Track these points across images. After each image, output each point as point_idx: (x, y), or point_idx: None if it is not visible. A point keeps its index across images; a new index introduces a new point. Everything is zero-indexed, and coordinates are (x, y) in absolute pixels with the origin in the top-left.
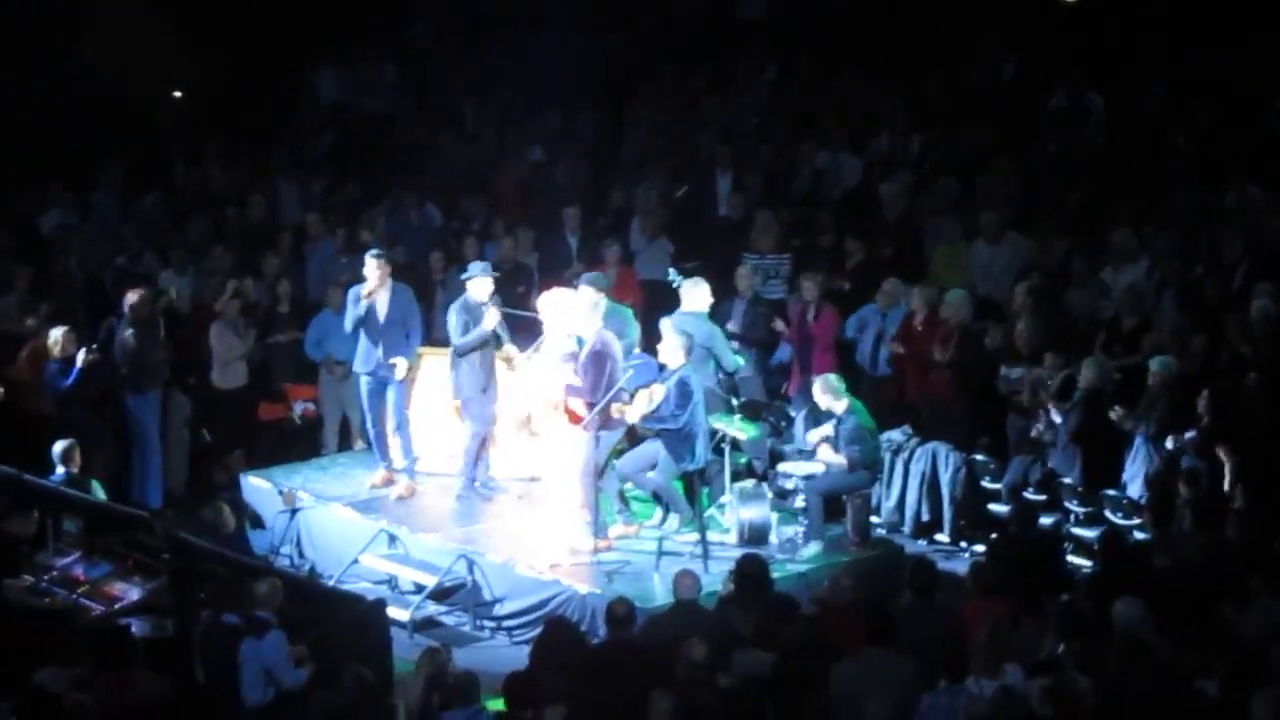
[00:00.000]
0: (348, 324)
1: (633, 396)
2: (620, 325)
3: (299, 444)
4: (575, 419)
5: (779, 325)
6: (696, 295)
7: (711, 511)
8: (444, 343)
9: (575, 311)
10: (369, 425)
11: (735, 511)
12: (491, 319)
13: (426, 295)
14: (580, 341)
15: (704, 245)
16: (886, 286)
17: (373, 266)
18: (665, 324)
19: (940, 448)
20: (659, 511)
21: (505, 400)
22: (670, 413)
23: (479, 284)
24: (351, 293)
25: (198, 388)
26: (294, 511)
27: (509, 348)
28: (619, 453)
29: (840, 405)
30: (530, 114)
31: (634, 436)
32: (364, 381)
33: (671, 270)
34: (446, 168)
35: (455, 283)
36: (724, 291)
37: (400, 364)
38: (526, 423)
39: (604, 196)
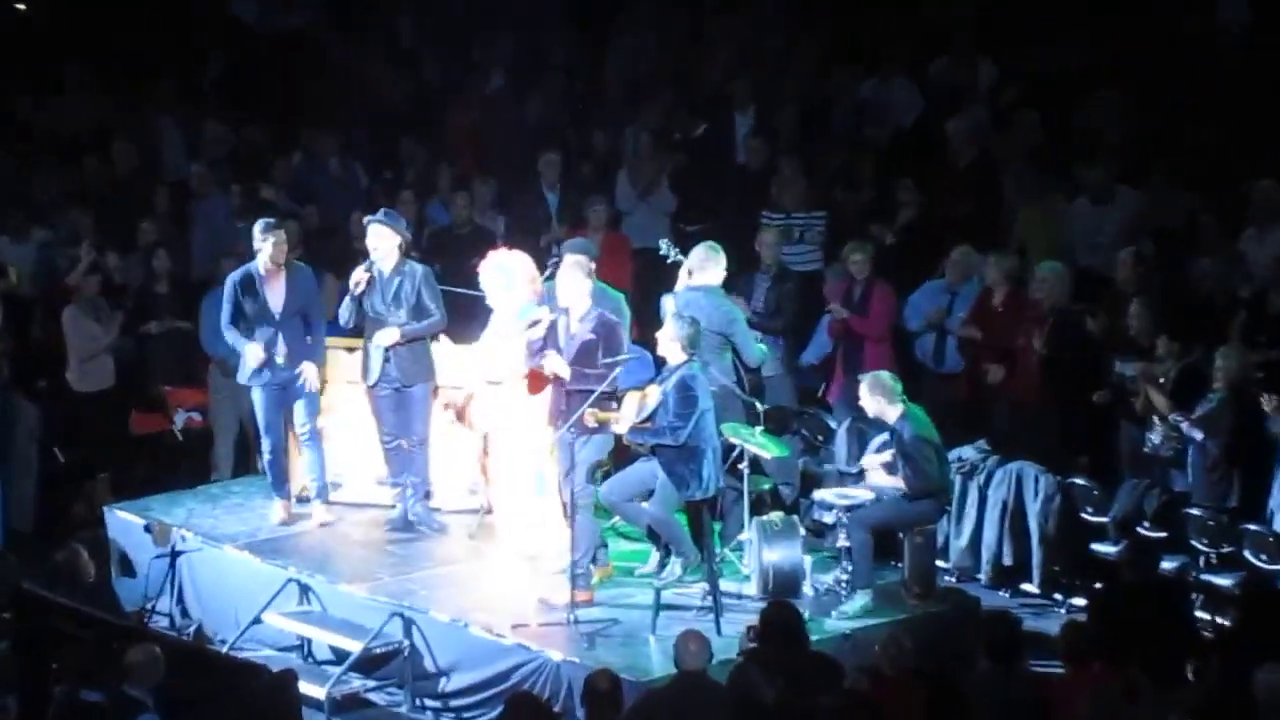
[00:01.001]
0: (225, 320)
1: (620, 401)
2: (602, 304)
3: (183, 466)
4: (537, 387)
5: (839, 312)
6: (709, 265)
7: (725, 554)
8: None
9: (564, 281)
10: (264, 448)
11: (757, 553)
12: (357, 277)
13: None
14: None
15: (713, 203)
16: (956, 256)
17: (267, 243)
18: (667, 304)
19: (1027, 469)
20: (655, 553)
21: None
22: (669, 424)
23: (374, 232)
24: (230, 280)
25: (49, 392)
26: (174, 555)
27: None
28: (604, 474)
29: (894, 412)
30: (486, 31)
31: (623, 453)
32: (257, 394)
33: (664, 242)
34: (376, 102)
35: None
36: (740, 263)
37: (308, 371)
38: (478, 438)
39: (583, 140)
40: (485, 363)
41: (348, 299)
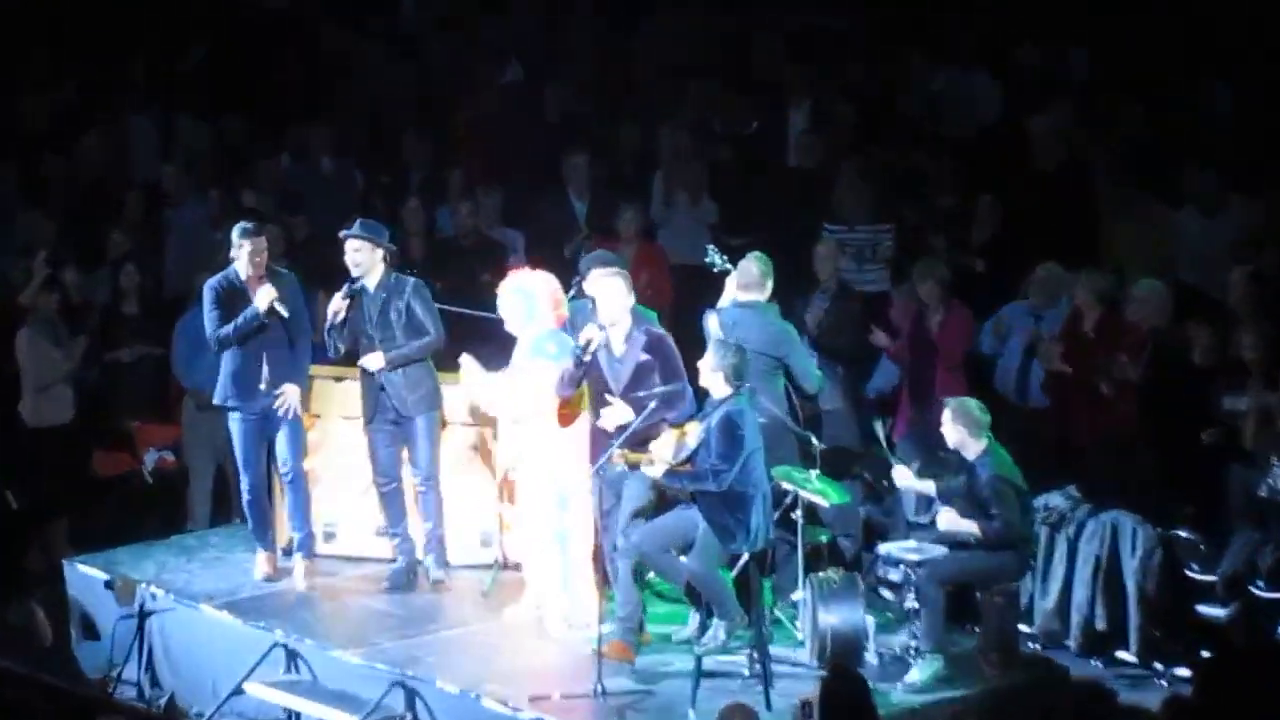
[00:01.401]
0: (224, 336)
1: (652, 439)
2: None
3: (153, 512)
4: (569, 420)
5: (880, 339)
6: (759, 278)
7: (776, 615)
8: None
9: (607, 296)
10: (243, 487)
11: (813, 615)
12: (265, 296)
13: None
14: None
15: (762, 211)
16: (1041, 274)
17: (244, 249)
18: (711, 323)
19: (1123, 519)
20: (694, 615)
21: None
22: (711, 467)
23: (352, 247)
24: (209, 287)
25: (1, 425)
26: (143, 615)
27: (468, 362)
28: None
29: (976, 447)
30: (500, 13)
31: (661, 499)
32: (234, 421)
33: (712, 249)
34: (375, 95)
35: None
36: (794, 281)
37: (290, 393)
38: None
39: (611, 139)
40: (507, 397)
41: (327, 330)
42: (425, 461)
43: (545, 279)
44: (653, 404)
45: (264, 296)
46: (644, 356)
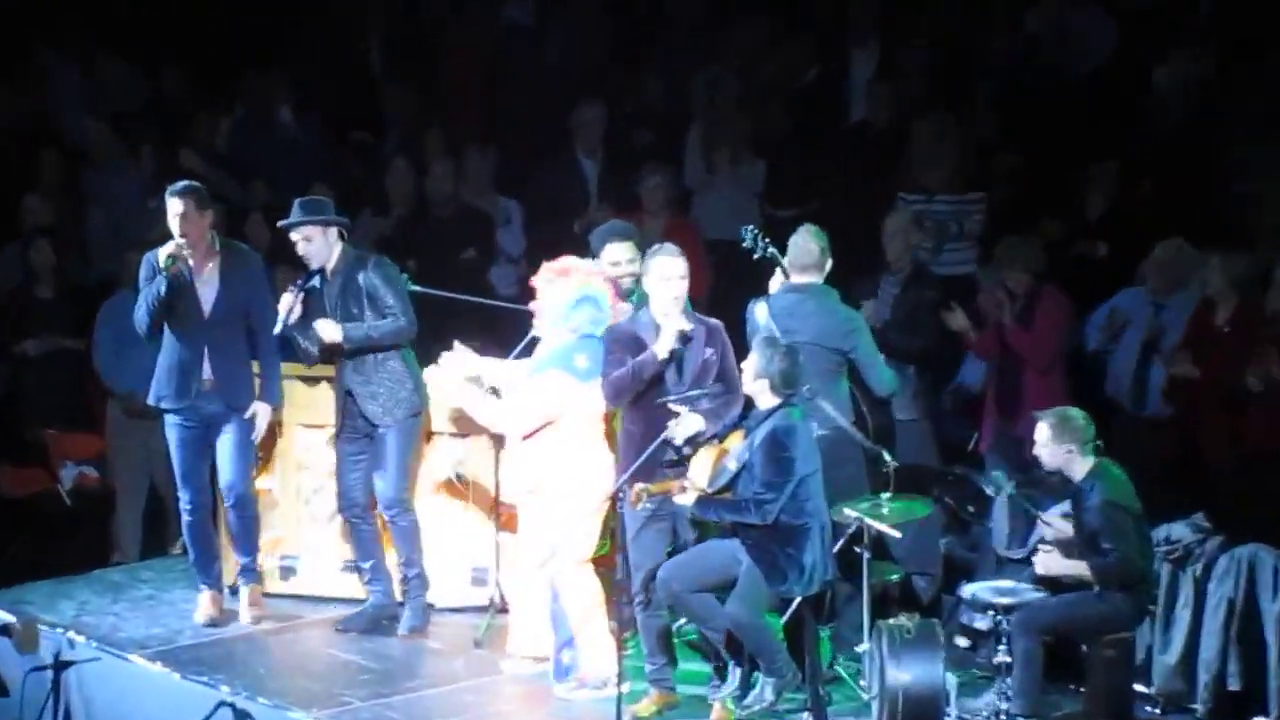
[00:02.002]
0: (139, 318)
1: (685, 459)
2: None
3: (72, 541)
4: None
5: (959, 321)
6: (816, 256)
7: (837, 670)
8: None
9: (666, 280)
10: (182, 508)
11: (881, 671)
12: (163, 253)
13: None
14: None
15: (819, 177)
16: (1162, 254)
17: (177, 211)
18: (759, 313)
19: (1263, 555)
20: (736, 671)
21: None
22: (754, 495)
23: (298, 235)
24: (146, 260)
25: None
26: (59, 667)
27: (462, 354)
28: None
29: (1083, 467)
30: None
31: (703, 528)
32: (169, 428)
33: (748, 231)
34: (346, 37)
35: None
36: (857, 263)
37: (260, 416)
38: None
39: (634, 89)
40: (508, 411)
41: (283, 333)
42: (392, 484)
43: (606, 279)
44: (680, 412)
45: (163, 252)
46: (707, 351)
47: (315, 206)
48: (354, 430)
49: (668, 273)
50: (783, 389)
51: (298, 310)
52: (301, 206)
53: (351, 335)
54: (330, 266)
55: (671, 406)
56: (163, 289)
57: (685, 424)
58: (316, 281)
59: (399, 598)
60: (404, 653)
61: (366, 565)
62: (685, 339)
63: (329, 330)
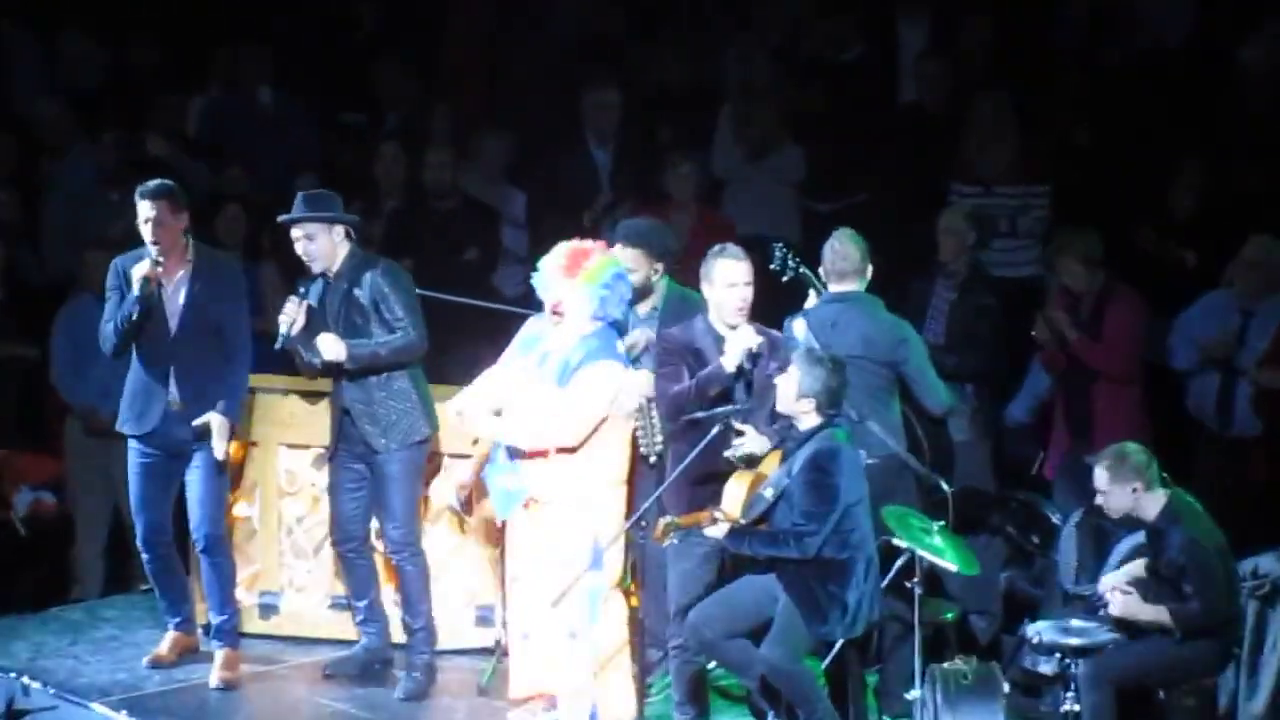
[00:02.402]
0: (105, 336)
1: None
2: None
3: (26, 575)
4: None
5: (1060, 331)
6: (856, 261)
7: (884, 719)
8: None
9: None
10: (139, 543)
11: (934, 719)
12: (138, 272)
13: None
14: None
15: (865, 166)
16: (1250, 254)
17: (148, 215)
18: (798, 329)
19: None
20: None
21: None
22: (794, 526)
23: (299, 233)
24: (114, 267)
25: None
26: (13, 717)
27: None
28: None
29: (1154, 504)
30: None
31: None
32: (131, 450)
33: (777, 249)
34: (333, 5)
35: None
36: (907, 263)
37: (215, 423)
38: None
39: (654, 67)
40: (580, 412)
41: (282, 344)
42: (400, 523)
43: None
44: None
45: (137, 272)
46: (771, 366)
47: (321, 202)
48: (350, 455)
49: (733, 277)
50: (829, 409)
51: (301, 320)
52: (305, 201)
53: (357, 354)
54: (334, 270)
55: (737, 425)
56: (135, 313)
57: (749, 444)
58: (319, 287)
59: (398, 639)
60: (398, 699)
61: (361, 604)
62: (755, 356)
63: (332, 347)
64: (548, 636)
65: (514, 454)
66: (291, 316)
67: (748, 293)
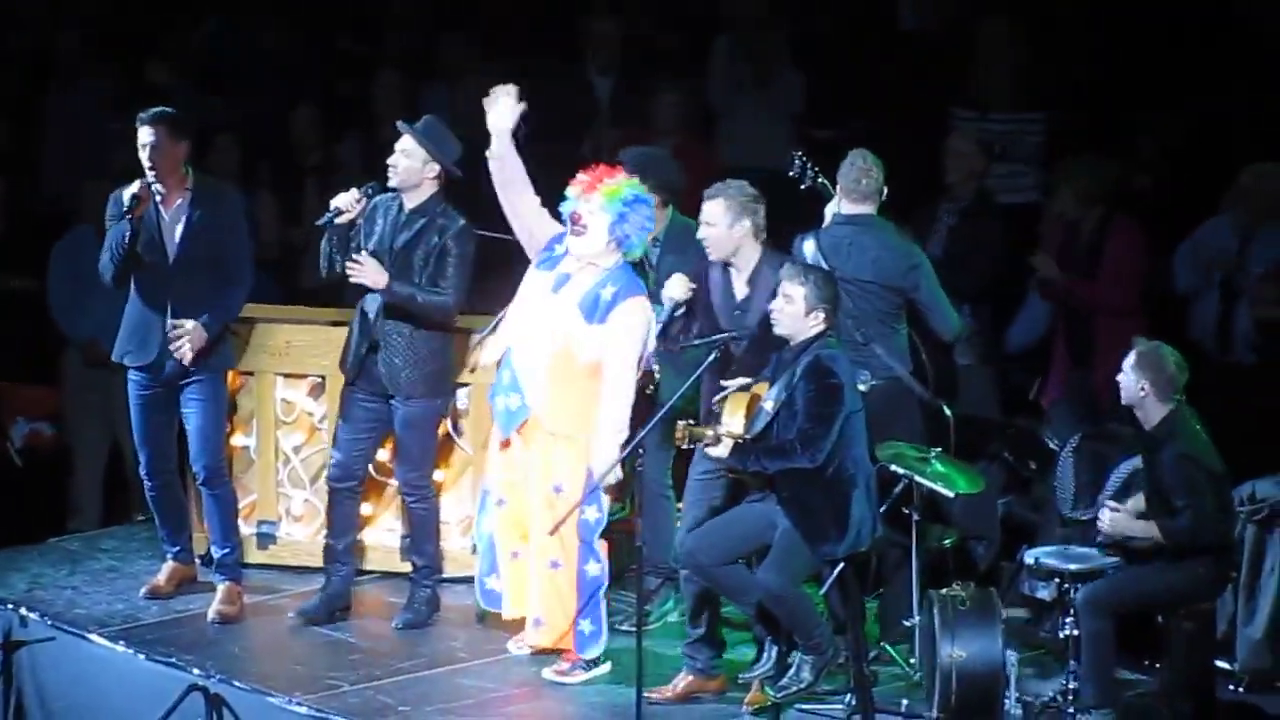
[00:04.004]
0: (103, 265)
1: (719, 407)
2: (686, 258)
3: (24, 506)
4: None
5: (1049, 268)
6: (869, 182)
7: (884, 647)
8: (310, 298)
9: (726, 222)
10: (141, 474)
11: (933, 647)
12: (345, 199)
13: (294, 204)
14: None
15: (864, 93)
16: (1248, 179)
17: (146, 139)
18: (808, 250)
19: None
20: (772, 648)
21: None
22: (801, 431)
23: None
24: (114, 198)
25: None
26: (10, 647)
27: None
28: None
29: (1160, 412)
30: None
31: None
32: (130, 383)
33: (797, 157)
34: None
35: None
36: (908, 190)
37: (189, 326)
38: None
39: None
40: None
41: (325, 238)
42: (415, 464)
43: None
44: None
45: (128, 193)
46: (769, 307)
47: (436, 134)
48: (368, 393)
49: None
50: (834, 315)
51: (353, 214)
52: (426, 127)
53: (397, 291)
54: (416, 204)
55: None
56: (126, 234)
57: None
58: (394, 208)
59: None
60: (397, 630)
61: (339, 545)
62: (678, 306)
63: (374, 274)
64: (533, 560)
65: (515, 376)
66: (347, 206)
67: (709, 232)
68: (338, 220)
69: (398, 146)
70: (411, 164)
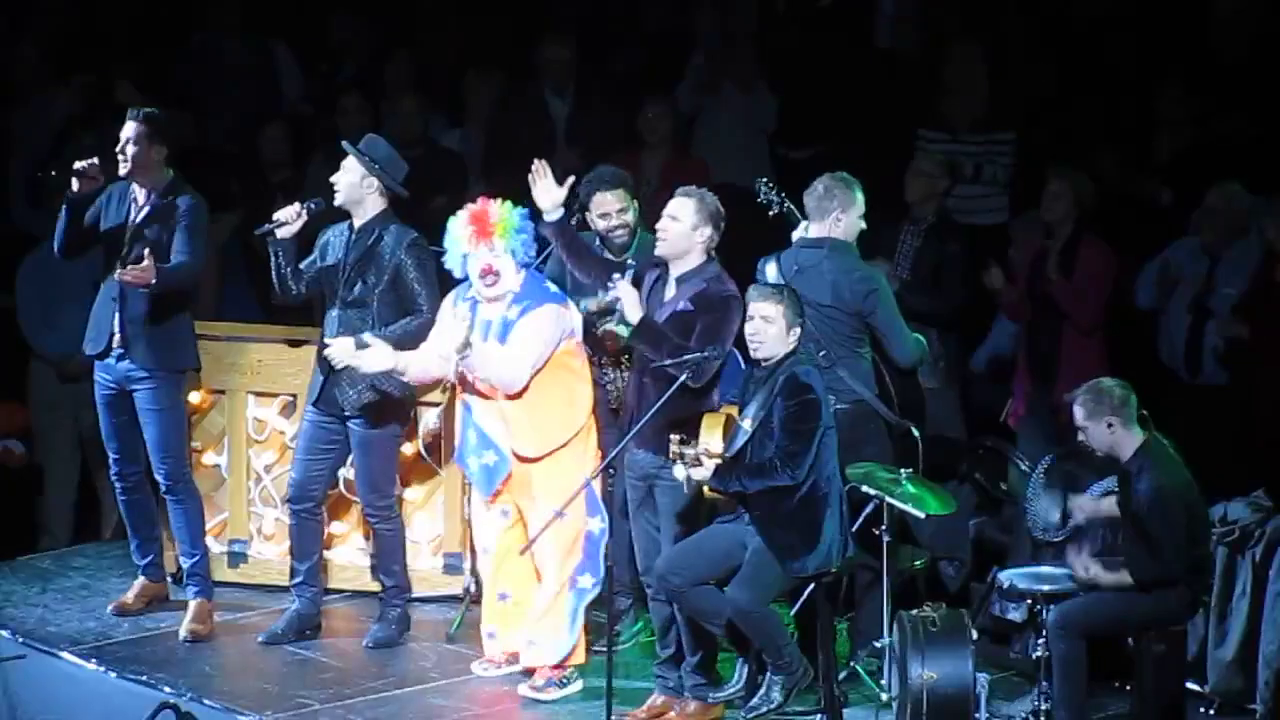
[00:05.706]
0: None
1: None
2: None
3: None
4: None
5: (997, 279)
6: (839, 206)
7: (854, 667)
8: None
9: (680, 220)
10: (112, 474)
11: (903, 668)
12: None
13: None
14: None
15: (838, 113)
16: (1215, 200)
17: (126, 133)
18: (770, 273)
19: None
20: (742, 668)
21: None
22: (779, 450)
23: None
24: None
25: None
26: None
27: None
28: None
29: (1131, 443)
30: None
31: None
32: (97, 385)
33: (761, 183)
34: None
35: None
36: (877, 210)
37: (147, 261)
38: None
39: (615, 9)
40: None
41: (274, 261)
42: (377, 484)
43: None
44: (683, 374)
45: (342, 350)
46: (686, 306)
47: (378, 149)
48: (327, 414)
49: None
50: (796, 332)
51: (291, 225)
52: (367, 143)
53: (395, 340)
54: (363, 220)
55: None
56: (64, 208)
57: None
58: (343, 232)
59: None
60: (368, 649)
61: (302, 566)
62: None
63: (342, 348)
64: (530, 594)
65: (483, 434)
66: (287, 218)
67: (671, 226)
68: (278, 232)
69: (342, 165)
70: (351, 180)
